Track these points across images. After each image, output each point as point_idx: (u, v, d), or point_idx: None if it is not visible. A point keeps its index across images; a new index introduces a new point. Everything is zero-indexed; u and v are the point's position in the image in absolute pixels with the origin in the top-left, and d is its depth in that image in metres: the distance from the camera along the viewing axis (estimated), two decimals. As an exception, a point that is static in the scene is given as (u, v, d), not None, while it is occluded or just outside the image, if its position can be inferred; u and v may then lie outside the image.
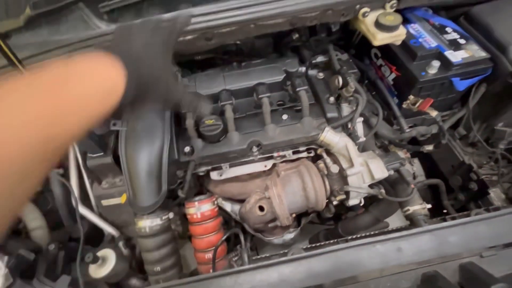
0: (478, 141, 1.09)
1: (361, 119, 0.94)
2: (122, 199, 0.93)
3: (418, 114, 1.05)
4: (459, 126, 1.15)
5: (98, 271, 0.79)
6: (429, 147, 1.09)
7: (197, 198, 0.86)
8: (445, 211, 1.17)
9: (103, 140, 0.98)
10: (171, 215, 0.81)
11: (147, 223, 0.76)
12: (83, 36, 0.88)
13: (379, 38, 0.84)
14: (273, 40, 1.24)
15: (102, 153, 0.96)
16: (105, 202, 1.03)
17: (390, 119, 1.09)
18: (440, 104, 1.03)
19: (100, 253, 0.80)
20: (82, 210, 1.00)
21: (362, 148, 0.99)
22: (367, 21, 0.88)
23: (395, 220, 1.15)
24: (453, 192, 1.19)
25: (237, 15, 0.81)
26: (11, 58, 0.73)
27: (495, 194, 1.06)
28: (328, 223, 1.34)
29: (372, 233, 0.94)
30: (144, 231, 0.76)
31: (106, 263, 0.80)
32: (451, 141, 1.17)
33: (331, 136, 0.82)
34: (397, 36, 0.85)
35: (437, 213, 1.30)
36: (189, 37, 0.83)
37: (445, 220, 0.87)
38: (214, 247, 0.80)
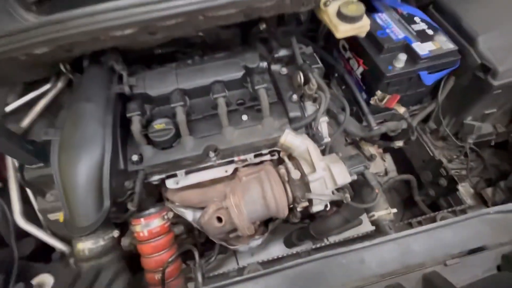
0: (448, 135, 1.06)
1: (326, 119, 0.88)
2: (60, 218, 0.84)
3: (388, 109, 1.00)
4: (429, 121, 1.12)
5: (35, 300, 0.70)
6: (400, 143, 1.06)
7: (145, 212, 0.78)
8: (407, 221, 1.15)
9: (43, 149, 0.87)
10: (115, 233, 0.73)
11: (87, 245, 0.68)
12: (8, 30, 0.75)
13: (342, 30, 0.77)
14: (240, 31, 1.15)
15: (41, 164, 0.85)
16: (52, 216, 0.93)
17: (359, 116, 1.03)
18: (409, 99, 0.98)
19: (36, 280, 0.71)
20: (24, 225, 0.90)
21: (330, 148, 0.94)
22: (329, 11, 0.80)
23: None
24: (425, 188, 1.17)
25: (181, 5, 0.70)
26: None
27: (464, 189, 1.04)
28: (304, 220, 1.30)
29: (335, 241, 0.90)
30: (83, 254, 0.68)
31: (44, 290, 0.72)
32: (422, 136, 1.14)
33: (291, 139, 0.76)
34: (360, 28, 0.78)
35: (408, 207, 1.28)
36: (128, 31, 0.73)
37: (410, 225, 0.83)
38: (163, 267, 0.73)
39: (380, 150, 1.23)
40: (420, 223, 0.84)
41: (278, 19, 1.12)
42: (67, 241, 0.94)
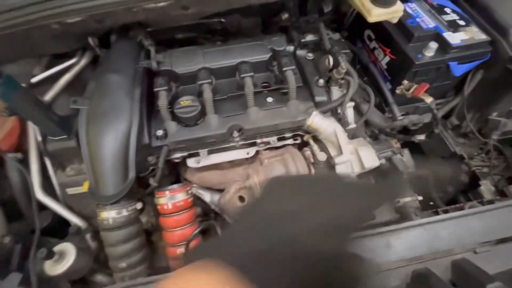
0: (471, 131, 1.05)
1: (352, 103, 0.87)
2: (84, 187, 0.83)
3: (411, 101, 0.99)
4: (451, 116, 1.10)
5: (55, 268, 0.70)
6: (421, 137, 1.04)
7: (169, 187, 0.78)
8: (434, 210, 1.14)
9: (67, 122, 0.87)
10: (138, 205, 0.73)
11: (111, 214, 0.68)
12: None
13: (375, 14, 0.76)
14: (261, 20, 1.15)
15: (65, 136, 0.85)
16: (70, 191, 0.93)
17: (382, 107, 1.02)
18: (434, 92, 0.97)
19: (57, 248, 0.71)
20: (43, 199, 0.90)
21: (352, 136, 0.93)
22: (362, -5, 0.80)
23: (381, 212, 1.11)
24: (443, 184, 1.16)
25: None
26: None
27: (485, 187, 1.02)
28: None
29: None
30: (107, 223, 0.67)
31: (64, 258, 0.71)
32: (442, 132, 1.12)
33: (319, 121, 0.75)
34: (394, 13, 0.77)
35: (424, 206, 1.26)
36: (161, 3, 0.73)
37: (437, 213, 0.82)
38: (186, 241, 0.72)
39: (398, 145, 1.22)
40: (446, 212, 0.82)
41: (300, 9, 1.12)
42: (84, 216, 0.95)
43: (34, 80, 0.90)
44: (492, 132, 0.99)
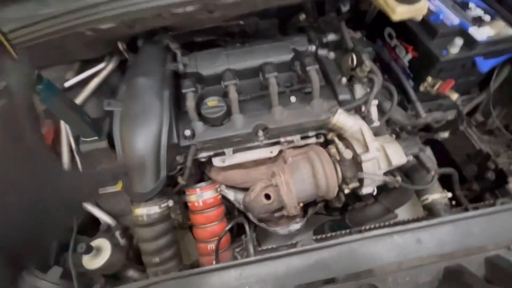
0: (497, 128, 1.02)
1: (376, 101, 0.87)
2: (118, 187, 0.87)
3: (435, 98, 0.98)
4: (476, 113, 1.09)
5: (93, 262, 0.73)
6: (445, 134, 1.03)
7: (198, 184, 0.80)
8: (454, 202, 1.12)
9: (98, 124, 0.91)
10: (170, 203, 0.75)
11: (145, 211, 0.71)
12: (73, 7, 0.80)
13: (399, 12, 0.76)
14: (278, 21, 1.16)
15: (96, 137, 0.89)
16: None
17: (404, 104, 1.02)
18: (458, 88, 0.95)
19: (94, 243, 0.75)
20: (76, 197, 0.94)
21: (374, 134, 0.93)
22: (385, -7, 0.80)
23: (403, 211, 1.09)
24: (466, 183, 1.13)
25: (243, -17, 0.73)
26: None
27: (513, 184, 1.00)
28: (333, 213, 1.29)
29: (388, 223, 0.88)
30: (142, 219, 0.70)
31: (101, 253, 0.75)
32: (467, 129, 1.10)
33: (344, 119, 0.76)
34: (418, 10, 0.77)
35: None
36: (189, 8, 0.76)
37: (467, 210, 0.81)
38: (217, 237, 0.74)
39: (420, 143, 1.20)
40: (477, 209, 0.81)
41: (317, 9, 1.12)
42: (113, 215, 0.98)
43: (67, 84, 0.94)
44: (520, 128, 0.97)
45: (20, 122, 0.43)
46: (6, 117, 0.42)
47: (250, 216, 0.92)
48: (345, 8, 1.11)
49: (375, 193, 0.81)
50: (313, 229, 1.33)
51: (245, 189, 0.93)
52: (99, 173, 0.54)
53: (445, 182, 1.19)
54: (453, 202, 1.13)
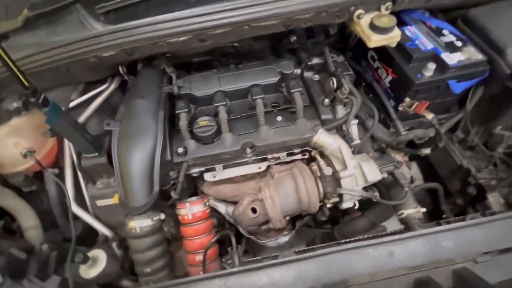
0: (477, 144, 1.07)
1: (356, 121, 0.93)
2: (115, 199, 0.93)
3: (415, 117, 1.04)
4: (457, 129, 1.14)
5: (89, 272, 0.78)
6: (427, 151, 1.08)
7: (188, 199, 0.86)
8: (444, 215, 1.15)
9: (98, 141, 0.98)
10: (162, 216, 0.81)
11: (138, 224, 0.76)
12: (80, 36, 0.88)
13: (374, 40, 0.84)
14: (270, 43, 1.24)
15: (96, 154, 0.96)
16: (99, 203, 1.02)
17: (387, 122, 1.08)
18: (437, 107, 1.02)
19: (90, 254, 0.80)
20: (76, 210, 1.00)
21: (358, 151, 0.98)
22: (362, 23, 0.88)
23: (393, 224, 1.13)
24: (452, 197, 1.17)
25: (231, 16, 0.81)
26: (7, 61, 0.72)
27: (494, 199, 1.04)
28: (325, 226, 1.32)
29: (364, 236, 0.93)
30: (135, 231, 0.76)
31: (97, 263, 0.80)
32: (449, 145, 1.15)
33: (324, 138, 0.82)
34: (391, 38, 0.84)
35: (435, 218, 1.28)
36: (183, 38, 0.84)
37: (439, 224, 0.85)
38: (204, 249, 0.79)
39: (406, 158, 1.25)
40: (449, 223, 0.85)
41: (307, 31, 1.21)
42: (110, 226, 1.04)
43: (71, 104, 1.02)
44: (497, 145, 1.02)
45: None
46: None
47: (240, 229, 0.97)
48: (333, 31, 1.19)
49: (356, 207, 0.85)
50: (306, 242, 1.37)
51: (236, 203, 0.98)
52: None
53: (433, 196, 1.23)
54: (443, 216, 1.17)
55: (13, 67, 0.68)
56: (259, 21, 0.83)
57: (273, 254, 0.86)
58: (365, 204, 1.07)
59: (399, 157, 1.18)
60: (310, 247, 0.92)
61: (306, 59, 1.07)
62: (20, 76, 0.68)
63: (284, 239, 1.01)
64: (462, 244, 0.68)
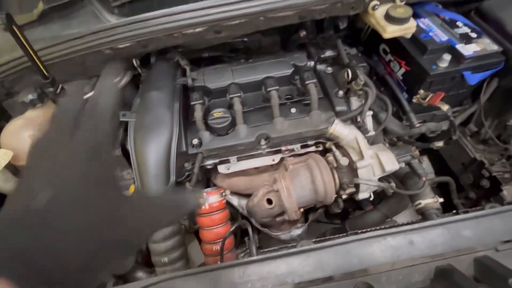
0: (490, 138, 1.07)
1: (371, 112, 0.93)
2: (130, 191, 0.93)
3: (428, 109, 1.04)
4: (470, 123, 1.13)
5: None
6: (439, 144, 1.08)
7: (205, 189, 0.86)
8: (454, 211, 1.15)
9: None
10: (178, 206, 0.81)
11: (155, 214, 0.76)
12: (94, 29, 0.89)
13: (390, 31, 0.84)
14: (280, 38, 1.24)
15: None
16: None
17: (399, 115, 1.07)
18: (450, 100, 1.01)
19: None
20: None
21: (371, 144, 0.98)
22: (377, 14, 0.88)
23: (403, 219, 1.13)
24: (463, 191, 1.17)
25: (247, 7, 0.81)
26: (28, 50, 0.73)
27: (508, 192, 1.03)
28: (335, 221, 1.32)
29: (382, 226, 0.92)
30: (152, 221, 0.75)
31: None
32: (461, 138, 1.15)
33: (340, 129, 0.82)
34: (407, 29, 0.84)
35: (446, 212, 1.27)
36: (198, 29, 0.84)
37: (458, 214, 0.85)
38: (222, 239, 0.79)
39: (417, 152, 1.25)
40: (467, 212, 0.85)
41: (316, 26, 1.21)
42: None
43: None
44: (511, 138, 1.02)
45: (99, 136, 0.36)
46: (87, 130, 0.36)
47: (253, 221, 0.97)
48: (342, 25, 1.19)
49: (371, 198, 0.85)
50: (315, 237, 1.36)
51: (248, 195, 0.98)
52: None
53: (444, 191, 1.23)
54: (453, 211, 1.16)
55: (34, 56, 0.68)
56: (275, 12, 0.83)
57: (290, 245, 0.86)
58: (376, 200, 1.07)
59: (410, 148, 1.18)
60: (328, 237, 0.91)
61: (318, 53, 1.07)
62: (41, 66, 0.68)
63: (297, 231, 1.00)
64: (482, 233, 0.67)
